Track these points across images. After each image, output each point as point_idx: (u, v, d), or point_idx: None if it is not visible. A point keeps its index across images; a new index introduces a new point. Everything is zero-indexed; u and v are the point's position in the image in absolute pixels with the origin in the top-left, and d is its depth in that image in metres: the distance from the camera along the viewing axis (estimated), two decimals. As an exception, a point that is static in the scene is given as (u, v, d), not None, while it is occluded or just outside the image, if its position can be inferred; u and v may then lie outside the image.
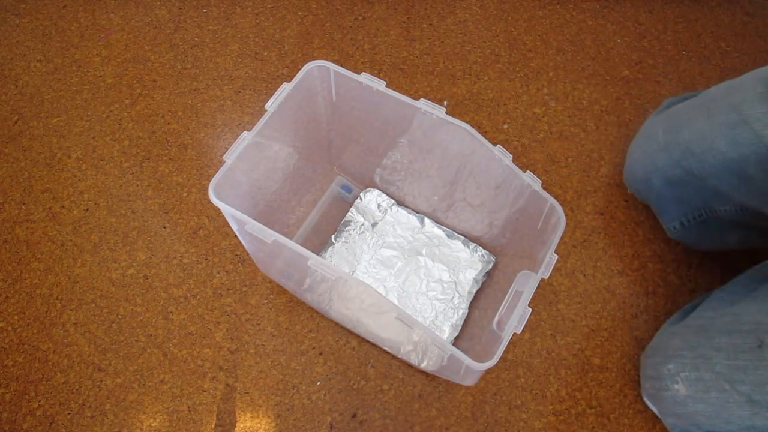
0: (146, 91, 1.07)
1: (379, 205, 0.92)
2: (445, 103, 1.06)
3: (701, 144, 0.75)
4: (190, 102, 1.06)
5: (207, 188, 0.61)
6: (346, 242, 0.89)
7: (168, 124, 1.04)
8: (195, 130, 1.04)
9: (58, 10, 1.16)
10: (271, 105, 0.63)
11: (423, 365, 0.80)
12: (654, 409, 0.80)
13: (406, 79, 1.09)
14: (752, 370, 0.62)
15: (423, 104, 0.66)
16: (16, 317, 0.89)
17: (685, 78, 1.09)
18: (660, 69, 1.10)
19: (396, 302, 0.84)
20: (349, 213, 0.92)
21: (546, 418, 0.82)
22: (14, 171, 1.01)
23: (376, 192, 0.93)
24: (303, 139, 0.76)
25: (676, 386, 0.72)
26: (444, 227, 0.90)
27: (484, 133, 0.99)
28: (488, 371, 0.84)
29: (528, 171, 0.67)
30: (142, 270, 0.92)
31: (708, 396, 0.67)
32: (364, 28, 1.13)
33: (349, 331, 0.86)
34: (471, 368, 0.56)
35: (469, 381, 0.80)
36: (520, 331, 0.55)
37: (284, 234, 0.61)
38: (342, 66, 0.72)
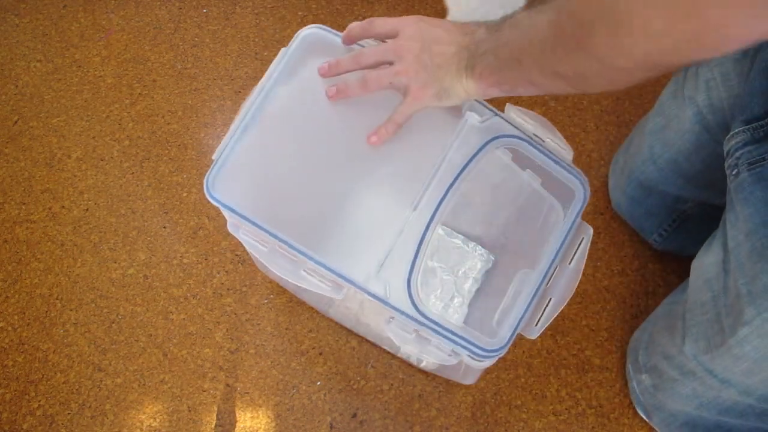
0: (146, 91, 1.07)
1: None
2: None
3: (642, 154, 0.79)
4: (190, 102, 1.06)
5: (206, 188, 0.61)
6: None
7: (168, 124, 1.04)
8: (195, 130, 1.04)
9: (58, 10, 1.16)
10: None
11: (423, 364, 0.80)
12: (644, 416, 0.81)
13: (406, 79, 1.09)
14: (675, 339, 0.67)
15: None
16: (16, 317, 0.89)
17: (685, 78, 1.09)
18: (660, 69, 1.10)
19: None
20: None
21: (546, 418, 0.82)
22: (14, 171, 1.01)
23: None
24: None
25: (643, 376, 0.76)
26: (443, 226, 0.90)
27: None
28: (488, 371, 0.84)
29: (527, 169, 0.67)
30: (142, 270, 0.92)
31: (662, 382, 0.72)
32: (364, 28, 1.13)
33: (349, 331, 0.86)
34: (471, 365, 0.56)
35: (469, 379, 0.80)
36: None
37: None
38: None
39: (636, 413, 0.82)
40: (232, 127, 0.61)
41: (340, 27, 0.63)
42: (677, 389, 0.69)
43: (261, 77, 0.62)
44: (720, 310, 0.59)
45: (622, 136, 1.02)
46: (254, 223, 0.57)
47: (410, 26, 0.53)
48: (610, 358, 0.85)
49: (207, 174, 0.59)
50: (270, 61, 1.15)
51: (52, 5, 1.17)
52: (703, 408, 0.69)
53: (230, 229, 0.61)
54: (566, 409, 0.82)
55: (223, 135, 1.08)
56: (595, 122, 1.04)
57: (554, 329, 0.87)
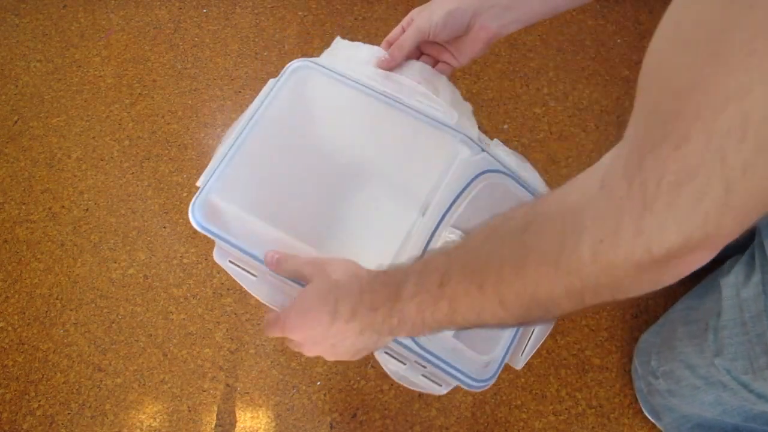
0: (146, 91, 1.07)
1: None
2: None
3: None
4: (190, 102, 1.06)
5: (192, 215, 0.58)
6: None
7: (168, 124, 1.04)
8: (195, 130, 1.04)
9: (58, 10, 1.16)
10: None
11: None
12: (651, 417, 0.80)
13: (406, 79, 1.09)
14: (704, 352, 0.66)
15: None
16: (16, 317, 0.89)
17: (685, 78, 1.09)
18: (660, 69, 1.10)
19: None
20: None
21: (546, 418, 0.82)
22: (14, 171, 1.01)
23: None
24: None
25: (657, 381, 0.75)
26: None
27: (483, 133, 0.99)
28: (488, 371, 0.84)
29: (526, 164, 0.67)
30: (142, 270, 0.92)
31: (679, 388, 0.71)
32: (364, 28, 1.13)
33: (349, 331, 0.86)
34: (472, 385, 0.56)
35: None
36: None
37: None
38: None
39: (636, 413, 0.81)
40: (220, 151, 0.59)
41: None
42: (698, 396, 0.68)
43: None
44: (762, 332, 0.59)
45: (622, 136, 1.02)
46: (244, 251, 0.57)
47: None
48: (610, 358, 0.85)
49: (192, 201, 0.56)
50: (270, 62, 1.15)
51: (52, 5, 1.17)
52: (726, 414, 0.68)
53: (216, 258, 0.59)
54: (566, 409, 0.82)
55: (223, 135, 1.08)
56: (595, 122, 1.04)
57: (554, 329, 0.87)
